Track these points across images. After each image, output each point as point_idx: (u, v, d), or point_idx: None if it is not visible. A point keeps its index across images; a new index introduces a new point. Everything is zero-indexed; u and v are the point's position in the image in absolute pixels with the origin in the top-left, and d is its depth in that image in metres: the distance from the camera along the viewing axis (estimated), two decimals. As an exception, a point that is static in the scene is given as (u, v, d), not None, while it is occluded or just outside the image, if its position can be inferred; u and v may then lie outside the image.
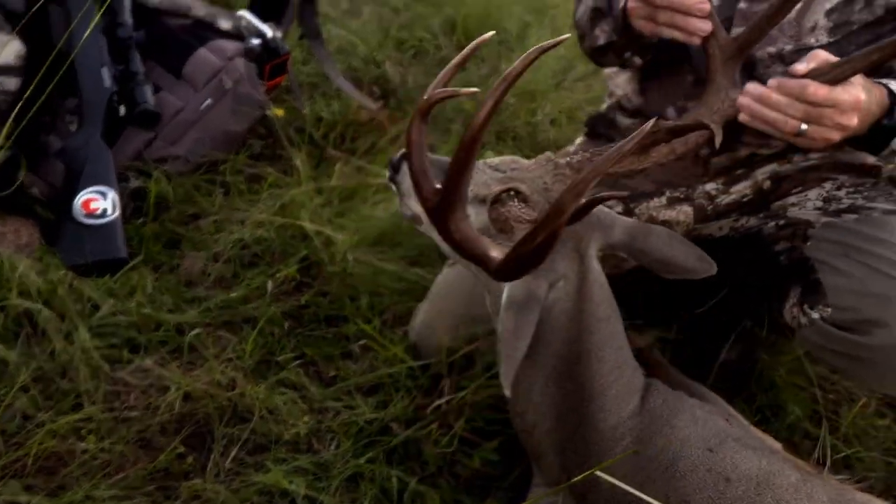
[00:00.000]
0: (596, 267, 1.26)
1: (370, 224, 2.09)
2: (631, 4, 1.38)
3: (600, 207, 1.29)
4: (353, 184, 2.27)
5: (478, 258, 1.16)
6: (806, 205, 1.51)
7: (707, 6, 1.28)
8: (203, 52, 2.19)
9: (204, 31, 2.24)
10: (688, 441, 1.23)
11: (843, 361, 1.41)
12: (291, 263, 1.98)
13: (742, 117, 1.26)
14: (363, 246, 2.03)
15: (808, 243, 1.47)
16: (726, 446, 1.23)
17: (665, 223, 1.56)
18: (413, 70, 2.92)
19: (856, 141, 1.32)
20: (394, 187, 1.39)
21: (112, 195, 1.88)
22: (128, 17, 2.08)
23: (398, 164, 1.37)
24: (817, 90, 1.18)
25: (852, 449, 1.67)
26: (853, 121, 1.20)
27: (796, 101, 1.20)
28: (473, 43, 1.09)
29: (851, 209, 1.46)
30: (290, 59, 2.44)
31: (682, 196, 1.58)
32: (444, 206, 1.12)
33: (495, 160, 1.33)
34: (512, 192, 1.25)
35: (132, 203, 2.01)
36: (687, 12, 1.28)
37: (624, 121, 1.70)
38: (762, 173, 1.55)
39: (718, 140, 1.27)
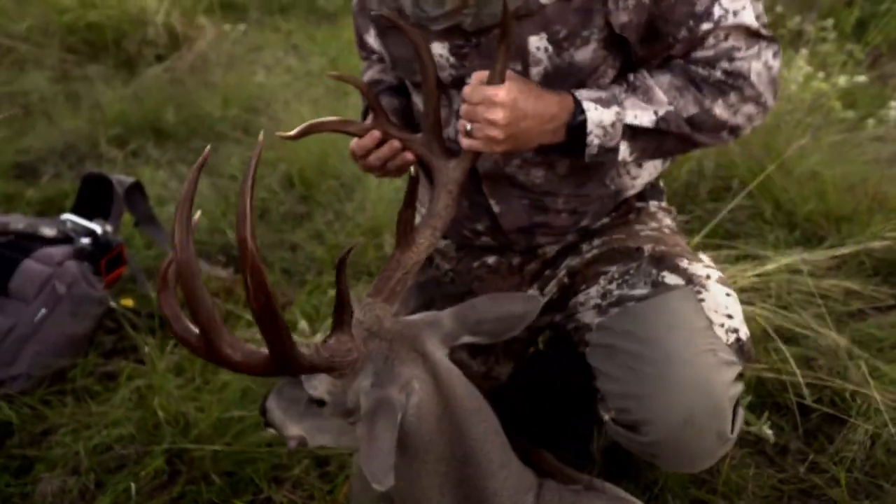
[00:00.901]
0: (445, 361, 1.27)
1: (232, 388, 2.05)
2: (358, 166, 1.54)
3: (420, 317, 1.32)
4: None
5: (262, 364, 1.16)
6: (588, 303, 1.56)
7: (377, 134, 1.45)
8: (29, 264, 2.14)
9: (27, 242, 2.21)
10: None
11: (645, 456, 1.46)
12: (157, 455, 1.90)
13: (462, 142, 1.40)
14: (231, 410, 1.97)
15: (588, 349, 1.51)
16: None
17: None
18: (260, 230, 2.96)
19: (561, 149, 1.44)
20: (272, 430, 1.40)
21: (-56, 435, 1.76)
22: (-61, 247, 2.03)
23: (264, 407, 1.39)
24: (466, 88, 1.36)
25: (737, 504, 1.71)
26: (499, 115, 1.33)
27: (463, 104, 1.37)
28: (198, 162, 1.10)
29: (617, 302, 1.50)
30: (126, 248, 2.43)
31: None
32: (210, 339, 1.12)
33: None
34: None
35: (-30, 438, 1.89)
36: (389, 157, 1.46)
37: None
38: (562, 269, 1.64)
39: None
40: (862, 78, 3.24)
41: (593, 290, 1.56)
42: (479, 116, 1.34)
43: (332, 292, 2.45)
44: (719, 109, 1.42)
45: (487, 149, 1.38)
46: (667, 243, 1.58)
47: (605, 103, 1.39)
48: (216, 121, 3.76)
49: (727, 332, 1.44)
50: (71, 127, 3.68)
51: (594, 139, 1.39)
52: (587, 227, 1.65)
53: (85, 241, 2.28)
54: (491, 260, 1.71)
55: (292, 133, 1.34)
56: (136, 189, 2.54)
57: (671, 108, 1.41)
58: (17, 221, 2.24)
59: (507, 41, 1.31)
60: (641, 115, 1.40)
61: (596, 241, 1.62)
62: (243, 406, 1.97)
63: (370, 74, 1.78)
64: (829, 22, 3.70)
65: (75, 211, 2.44)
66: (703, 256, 1.60)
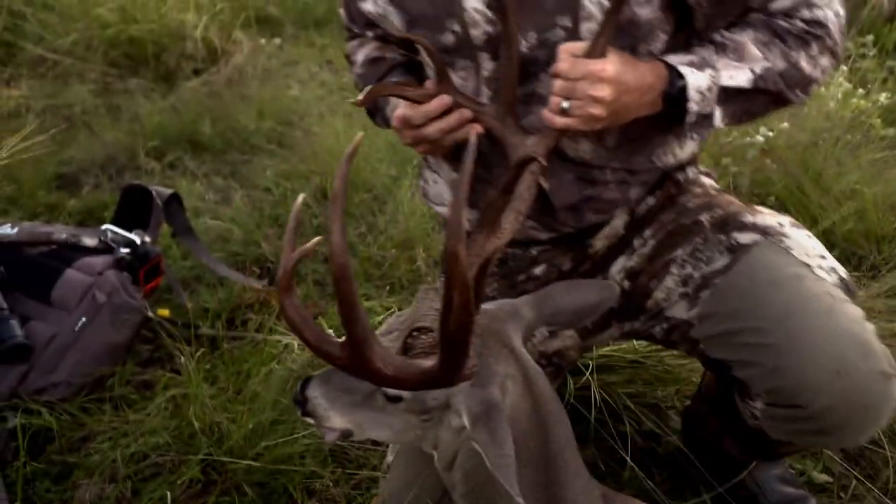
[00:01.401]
0: (530, 359, 1.21)
1: (262, 399, 2.06)
2: (403, 138, 1.42)
3: (498, 306, 1.25)
4: (246, 366, 2.25)
5: (419, 379, 1.07)
6: (672, 297, 1.47)
7: (447, 99, 1.35)
8: (70, 273, 2.19)
9: (68, 252, 2.25)
10: None
11: (809, 437, 1.38)
12: (192, 465, 1.92)
13: (554, 122, 1.30)
14: (260, 417, 1.98)
15: (703, 346, 1.44)
16: None
17: (557, 353, 1.55)
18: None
19: (659, 119, 1.35)
20: (310, 420, 1.29)
21: (-15, 443, 1.80)
22: (-17, 257, 2.08)
23: (301, 396, 1.27)
24: (562, 63, 1.26)
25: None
26: (605, 91, 1.24)
27: (556, 80, 1.27)
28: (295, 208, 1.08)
29: (703, 283, 1.42)
30: (163, 259, 2.47)
31: None
32: (359, 352, 1.02)
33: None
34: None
35: (11, 444, 1.92)
36: (452, 129, 1.36)
37: None
38: (617, 273, 1.54)
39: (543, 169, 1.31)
40: (903, 95, 3.19)
41: (670, 282, 1.47)
42: (582, 93, 1.25)
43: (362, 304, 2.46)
44: (804, 62, 1.35)
45: (586, 127, 1.29)
46: (721, 204, 1.50)
47: (699, 66, 1.31)
48: (251, 133, 3.81)
49: (828, 272, 1.37)
50: (111, 139, 3.76)
51: (693, 105, 1.30)
52: (635, 205, 1.54)
53: (124, 251, 2.32)
54: (538, 270, 1.59)
55: (360, 98, 1.30)
56: (174, 200, 2.58)
57: (767, 63, 1.32)
58: (60, 231, 2.29)
59: (617, 11, 1.23)
60: (737, 75, 1.32)
61: (647, 233, 1.53)
62: (273, 414, 1.98)
63: (366, 52, 1.65)
64: (870, 38, 3.65)
65: (115, 221, 2.48)
66: (762, 208, 1.51)
